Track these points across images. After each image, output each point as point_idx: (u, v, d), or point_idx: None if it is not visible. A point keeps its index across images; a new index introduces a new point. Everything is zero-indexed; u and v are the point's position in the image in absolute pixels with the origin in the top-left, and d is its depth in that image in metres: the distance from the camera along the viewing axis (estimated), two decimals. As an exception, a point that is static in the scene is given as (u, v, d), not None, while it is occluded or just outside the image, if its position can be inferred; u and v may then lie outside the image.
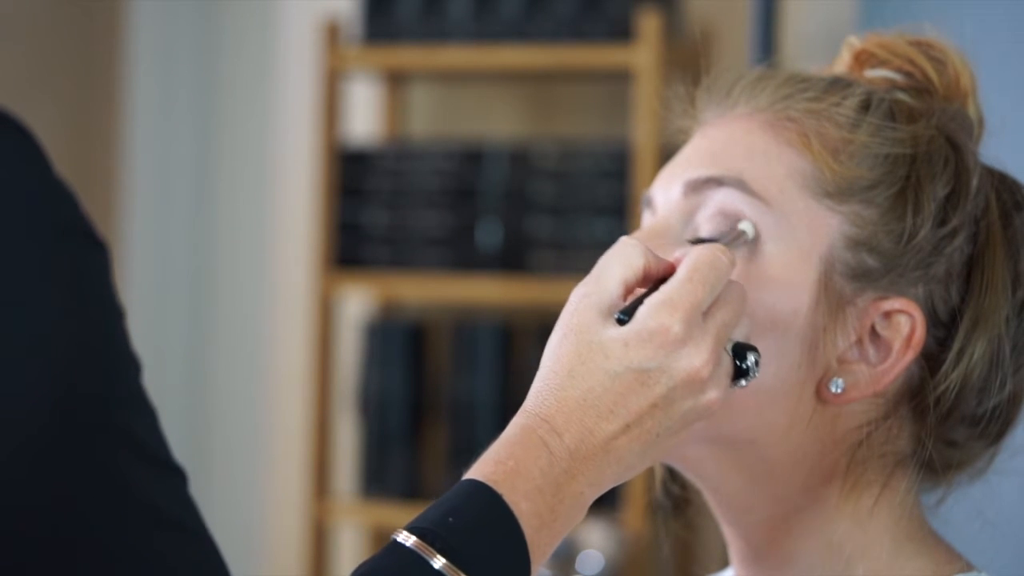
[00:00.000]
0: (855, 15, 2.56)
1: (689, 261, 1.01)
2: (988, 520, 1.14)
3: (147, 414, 0.88)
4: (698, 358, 0.98)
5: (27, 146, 0.86)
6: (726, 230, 1.08)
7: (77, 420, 0.84)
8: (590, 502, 0.98)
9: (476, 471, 0.96)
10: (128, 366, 0.88)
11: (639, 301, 1.00)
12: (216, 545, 0.88)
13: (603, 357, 0.98)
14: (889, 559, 1.09)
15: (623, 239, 1.03)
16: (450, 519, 0.93)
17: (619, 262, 1.02)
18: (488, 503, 0.94)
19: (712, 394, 1.00)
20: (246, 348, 3.51)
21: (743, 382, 1.02)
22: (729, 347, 1.02)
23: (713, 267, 1.01)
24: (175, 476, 0.88)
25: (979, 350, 1.09)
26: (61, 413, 0.84)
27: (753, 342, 1.05)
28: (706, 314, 1.00)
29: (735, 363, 1.02)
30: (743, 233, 1.08)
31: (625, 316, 0.99)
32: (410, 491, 3.06)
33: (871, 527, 1.10)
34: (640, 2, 2.93)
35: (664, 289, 1.00)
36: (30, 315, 0.84)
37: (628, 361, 0.98)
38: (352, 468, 3.19)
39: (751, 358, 1.02)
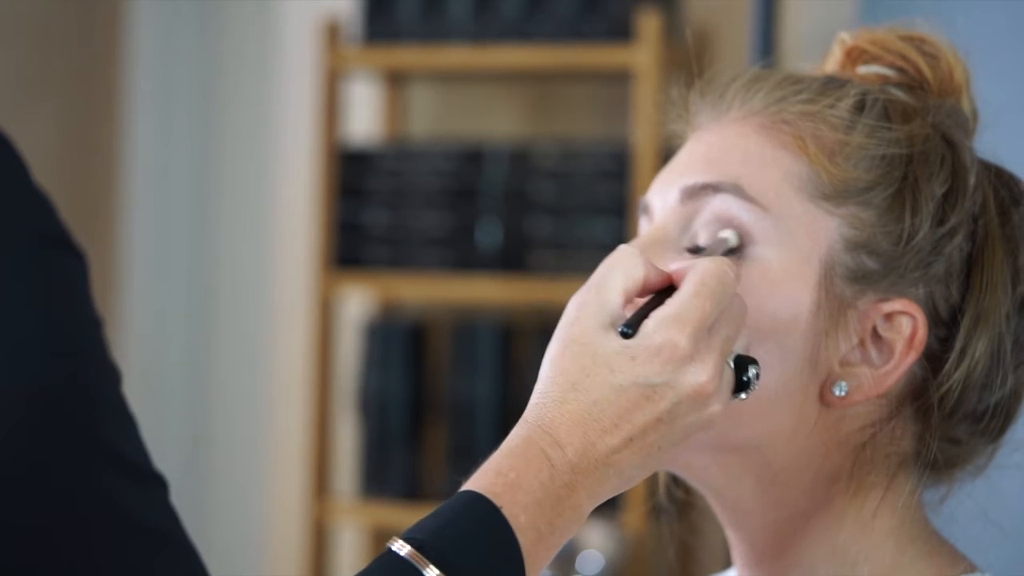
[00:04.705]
0: (854, 15, 2.56)
1: (696, 276, 1.00)
2: (991, 519, 1.14)
3: (126, 423, 0.87)
4: (704, 373, 0.98)
5: (4, 154, 0.86)
6: (716, 241, 1.08)
7: (54, 430, 0.83)
8: (587, 513, 0.98)
9: (475, 482, 0.95)
10: (106, 375, 0.87)
11: (643, 314, 0.99)
12: (197, 552, 0.87)
13: (608, 370, 0.97)
14: (893, 561, 1.09)
15: (621, 247, 1.03)
16: (446, 530, 0.92)
17: (620, 272, 1.01)
18: (486, 515, 0.93)
19: (715, 408, 1.00)
20: (246, 348, 3.51)
21: (743, 395, 1.02)
22: (731, 360, 1.02)
23: (720, 282, 1.00)
24: (155, 484, 0.87)
25: (981, 348, 1.08)
26: (38, 422, 0.83)
27: (755, 347, 1.05)
28: (711, 329, 1.00)
29: (736, 376, 1.02)
30: (725, 241, 1.08)
31: (629, 329, 0.98)
32: (410, 491, 3.05)
33: (875, 529, 1.09)
34: (640, 2, 2.93)
35: (672, 303, 0.99)
36: (5, 324, 0.83)
37: (635, 376, 0.97)
38: (352, 468, 3.19)
39: (752, 371, 1.02)
